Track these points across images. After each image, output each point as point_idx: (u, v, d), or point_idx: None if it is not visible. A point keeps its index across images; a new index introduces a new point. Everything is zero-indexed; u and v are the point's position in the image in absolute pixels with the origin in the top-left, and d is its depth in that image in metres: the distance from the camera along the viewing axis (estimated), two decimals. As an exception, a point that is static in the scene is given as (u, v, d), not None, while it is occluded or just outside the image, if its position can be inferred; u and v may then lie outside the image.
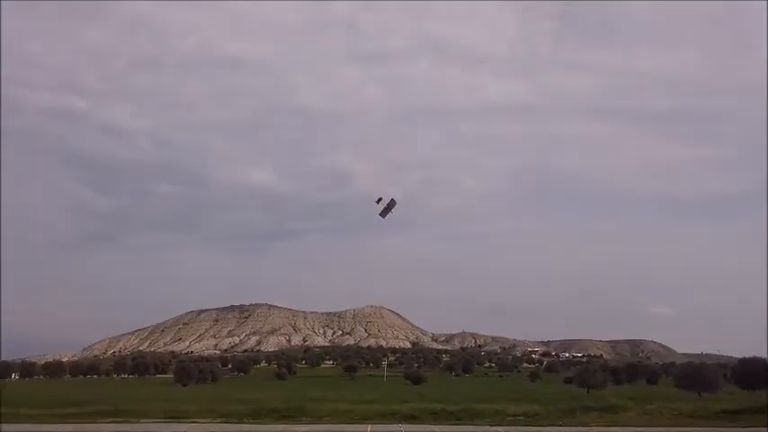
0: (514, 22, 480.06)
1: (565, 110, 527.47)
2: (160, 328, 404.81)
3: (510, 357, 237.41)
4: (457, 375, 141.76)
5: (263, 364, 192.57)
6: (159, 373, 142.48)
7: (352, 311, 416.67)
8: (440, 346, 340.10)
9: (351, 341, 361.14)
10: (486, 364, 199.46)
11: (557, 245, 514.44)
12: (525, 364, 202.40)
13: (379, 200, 31.89)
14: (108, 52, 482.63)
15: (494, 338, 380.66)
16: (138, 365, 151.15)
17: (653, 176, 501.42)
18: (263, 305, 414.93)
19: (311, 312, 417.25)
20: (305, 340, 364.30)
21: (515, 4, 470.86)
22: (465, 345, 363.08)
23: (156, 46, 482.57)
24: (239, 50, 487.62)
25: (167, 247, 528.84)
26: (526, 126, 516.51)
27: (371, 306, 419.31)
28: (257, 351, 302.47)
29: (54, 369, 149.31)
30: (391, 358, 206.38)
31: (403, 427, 34.48)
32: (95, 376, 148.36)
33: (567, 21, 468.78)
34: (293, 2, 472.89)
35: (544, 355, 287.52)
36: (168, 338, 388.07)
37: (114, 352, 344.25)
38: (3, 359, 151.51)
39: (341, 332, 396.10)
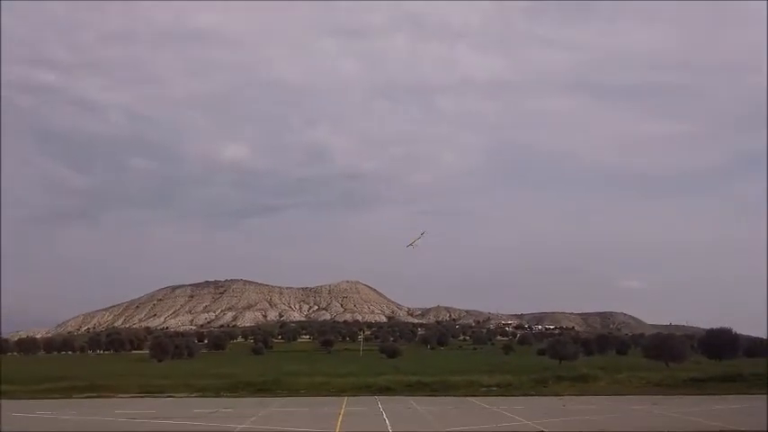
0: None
1: (541, 85, 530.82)
2: (134, 305, 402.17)
3: (484, 330, 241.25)
4: (432, 348, 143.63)
5: (240, 339, 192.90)
6: (135, 349, 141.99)
7: (327, 287, 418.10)
8: (415, 320, 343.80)
9: (327, 316, 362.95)
10: (461, 338, 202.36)
11: (531, 220, 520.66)
12: (499, 337, 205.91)
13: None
14: (78, 24, 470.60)
15: (468, 312, 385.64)
16: (114, 341, 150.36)
17: (626, 152, 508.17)
18: (238, 281, 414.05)
19: (287, 288, 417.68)
20: (281, 315, 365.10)
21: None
22: (440, 319, 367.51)
23: (128, 18, 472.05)
24: (213, 23, 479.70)
25: (141, 222, 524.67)
26: (503, 101, 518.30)
27: (347, 281, 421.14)
28: (233, 326, 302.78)
29: (28, 346, 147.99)
30: (367, 332, 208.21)
31: (378, 398, 34.95)
32: (70, 352, 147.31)
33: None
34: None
35: (517, 327, 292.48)
36: (143, 314, 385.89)
37: (88, 328, 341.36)
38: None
39: (317, 307, 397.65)
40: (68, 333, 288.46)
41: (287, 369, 54.63)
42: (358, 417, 26.81)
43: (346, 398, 35.12)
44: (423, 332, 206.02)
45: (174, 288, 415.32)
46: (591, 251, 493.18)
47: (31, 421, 25.89)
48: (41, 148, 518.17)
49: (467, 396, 36.05)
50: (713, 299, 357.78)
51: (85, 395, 37.35)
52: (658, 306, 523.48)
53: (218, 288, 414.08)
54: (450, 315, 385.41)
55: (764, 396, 34.65)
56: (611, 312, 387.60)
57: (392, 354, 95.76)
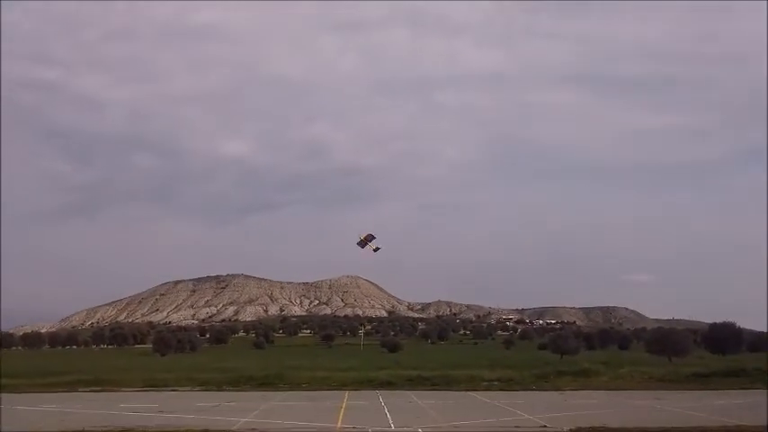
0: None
1: (541, 79, 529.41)
2: (137, 299, 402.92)
3: (485, 325, 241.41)
4: (432, 343, 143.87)
5: (241, 333, 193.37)
6: (138, 344, 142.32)
7: (328, 281, 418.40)
8: (416, 315, 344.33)
9: (327, 311, 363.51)
10: (462, 332, 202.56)
11: (532, 213, 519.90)
12: (500, 332, 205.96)
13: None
14: (81, 22, 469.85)
15: (468, 307, 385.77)
16: (117, 336, 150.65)
17: (629, 145, 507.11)
18: (239, 276, 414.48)
19: (288, 283, 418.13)
20: (282, 310, 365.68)
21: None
22: (440, 313, 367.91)
23: (130, 15, 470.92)
24: (213, 19, 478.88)
25: (143, 218, 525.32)
26: (503, 95, 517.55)
27: (348, 276, 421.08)
28: (235, 321, 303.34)
29: (32, 340, 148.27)
30: (368, 327, 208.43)
31: (380, 392, 35.07)
32: (74, 347, 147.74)
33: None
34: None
35: (518, 322, 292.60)
36: (146, 309, 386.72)
37: (92, 323, 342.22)
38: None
39: (317, 302, 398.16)
40: (72, 328, 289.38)
41: (288, 363, 54.83)
42: (359, 411, 26.93)
43: (348, 392, 35.24)
44: (423, 327, 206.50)
45: (176, 283, 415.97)
46: (592, 245, 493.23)
47: (35, 415, 26.00)
48: (43, 145, 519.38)
49: (468, 390, 36.15)
50: (716, 293, 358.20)
51: (90, 389, 37.52)
52: (660, 300, 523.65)
53: (220, 283, 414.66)
54: (450, 310, 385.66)
55: (767, 391, 34.73)
56: (613, 307, 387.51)
57: (393, 348, 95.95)
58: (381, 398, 32.02)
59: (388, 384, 38.79)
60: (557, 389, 37.01)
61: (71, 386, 38.60)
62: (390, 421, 23.51)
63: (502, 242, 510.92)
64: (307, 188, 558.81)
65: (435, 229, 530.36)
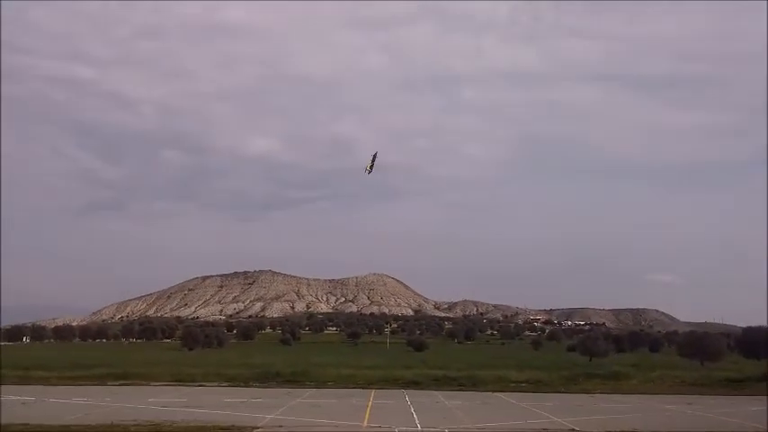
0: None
1: (568, 76, 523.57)
2: (166, 294, 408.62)
3: (512, 325, 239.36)
4: (459, 343, 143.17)
5: (268, 329, 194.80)
6: (166, 338, 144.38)
7: (355, 279, 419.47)
8: (442, 314, 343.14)
9: (354, 308, 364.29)
10: (489, 332, 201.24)
11: (560, 212, 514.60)
12: (527, 332, 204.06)
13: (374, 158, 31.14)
14: (113, 20, 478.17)
15: (496, 306, 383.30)
16: (146, 330, 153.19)
17: (657, 143, 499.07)
18: (266, 272, 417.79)
19: (314, 279, 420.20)
20: (308, 307, 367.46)
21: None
22: (467, 312, 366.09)
23: (160, 13, 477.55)
24: (241, 17, 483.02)
25: (172, 213, 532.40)
26: (529, 93, 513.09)
27: (374, 274, 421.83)
28: (262, 317, 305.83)
29: (64, 333, 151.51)
30: (394, 325, 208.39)
31: (406, 392, 34.88)
32: (104, 340, 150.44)
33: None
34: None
35: (546, 323, 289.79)
36: (174, 304, 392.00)
37: (122, 317, 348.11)
38: (15, 323, 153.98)
39: (344, 299, 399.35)
40: (103, 321, 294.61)
41: (315, 360, 54.96)
42: (386, 410, 26.78)
43: (374, 390, 35.14)
44: (450, 326, 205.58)
45: (204, 278, 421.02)
46: (622, 245, 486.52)
47: (63, 408, 26.35)
48: (75, 141, 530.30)
49: (495, 392, 35.77)
50: (749, 295, 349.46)
51: (119, 382, 38.01)
52: (692, 302, 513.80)
53: (248, 279, 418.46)
54: (477, 309, 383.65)
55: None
56: (644, 309, 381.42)
57: (419, 347, 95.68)
58: (408, 397, 31.86)
59: (414, 384, 38.61)
60: (586, 392, 36.46)
61: (101, 379, 39.16)
62: (417, 421, 23.31)
63: (529, 241, 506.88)
64: (332, 185, 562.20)
65: (462, 227, 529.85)
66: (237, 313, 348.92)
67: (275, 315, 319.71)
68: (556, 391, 36.49)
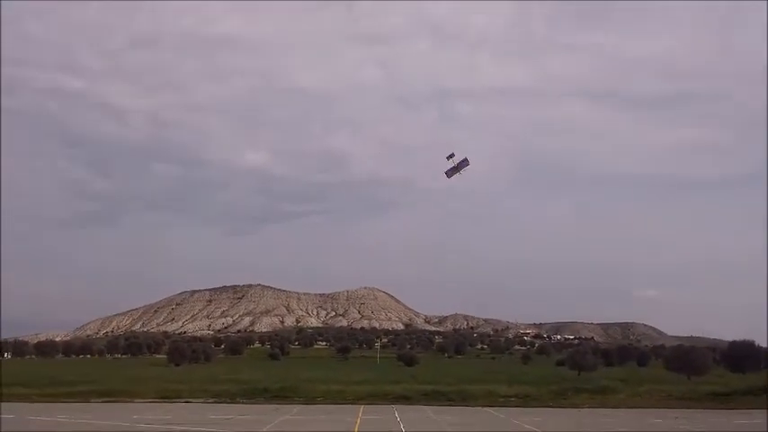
0: (510, 3, 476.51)
1: (559, 92, 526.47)
2: (153, 309, 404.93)
3: (502, 339, 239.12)
4: (449, 357, 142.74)
5: (257, 344, 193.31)
6: (152, 354, 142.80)
7: (345, 293, 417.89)
8: (432, 328, 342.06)
9: (344, 323, 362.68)
10: (479, 346, 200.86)
11: (551, 227, 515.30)
12: (517, 346, 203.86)
13: (451, 156, 30.30)
14: (105, 30, 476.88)
15: (486, 321, 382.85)
16: (132, 345, 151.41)
17: (645, 159, 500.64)
18: (256, 286, 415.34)
19: (304, 294, 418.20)
20: (298, 321, 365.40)
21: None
22: (458, 327, 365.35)
23: (154, 23, 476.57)
24: (236, 29, 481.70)
25: (161, 226, 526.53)
26: (522, 108, 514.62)
27: (365, 288, 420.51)
28: (250, 332, 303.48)
29: (46, 348, 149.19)
30: (384, 340, 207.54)
31: (395, 407, 34.65)
32: (88, 356, 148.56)
33: (562, 2, 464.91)
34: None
35: (536, 337, 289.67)
36: (161, 319, 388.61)
37: (107, 332, 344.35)
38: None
39: (334, 313, 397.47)
40: (87, 336, 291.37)
41: (304, 376, 54.55)
42: (375, 425, 26.55)
43: (362, 406, 34.88)
44: (440, 340, 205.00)
45: (192, 292, 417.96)
46: (611, 260, 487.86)
47: (44, 425, 25.92)
48: (65, 153, 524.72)
49: (485, 406, 35.63)
50: (736, 310, 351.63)
51: (103, 400, 37.48)
52: (679, 317, 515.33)
53: (237, 293, 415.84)
54: (467, 323, 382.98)
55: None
56: (632, 323, 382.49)
57: (409, 362, 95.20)
58: (397, 413, 31.62)
59: (403, 399, 38.40)
60: (574, 406, 36.42)
61: (84, 396, 38.57)
62: (405, 437, 23.12)
63: (520, 255, 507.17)
64: (325, 199, 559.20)
65: (454, 241, 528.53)
66: (226, 328, 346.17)
67: (264, 330, 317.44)
68: (544, 406, 36.42)
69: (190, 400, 37.78)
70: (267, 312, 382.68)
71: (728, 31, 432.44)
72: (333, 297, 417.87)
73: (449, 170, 30.23)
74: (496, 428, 26.25)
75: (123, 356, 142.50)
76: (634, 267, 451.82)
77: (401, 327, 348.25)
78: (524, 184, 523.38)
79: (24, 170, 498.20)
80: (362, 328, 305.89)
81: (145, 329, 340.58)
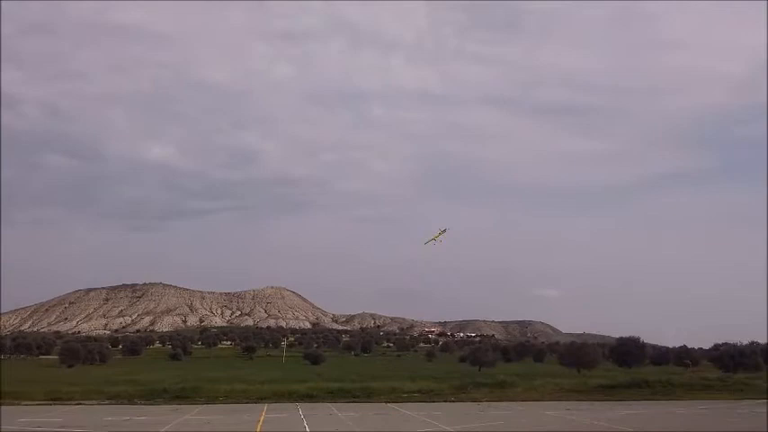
0: (424, 10, 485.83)
1: (468, 100, 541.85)
2: (44, 308, 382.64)
3: (407, 337, 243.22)
4: (356, 355, 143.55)
5: (157, 344, 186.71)
6: (43, 355, 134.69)
7: (251, 292, 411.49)
8: (340, 327, 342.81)
9: (250, 322, 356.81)
10: (385, 344, 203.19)
11: (456, 229, 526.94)
12: (422, 344, 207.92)
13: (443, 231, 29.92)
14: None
15: (392, 319, 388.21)
16: (19, 346, 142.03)
17: (548, 166, 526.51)
18: (157, 284, 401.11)
19: (209, 292, 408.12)
20: (202, 321, 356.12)
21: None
22: (365, 325, 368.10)
23: (49, 10, 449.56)
24: (138, 19, 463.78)
25: (56, 222, 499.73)
26: (432, 113, 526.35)
27: (272, 287, 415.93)
28: (150, 331, 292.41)
29: None
30: (291, 339, 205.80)
31: (300, 405, 34.72)
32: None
33: (473, 13, 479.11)
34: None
35: (440, 335, 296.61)
36: (53, 318, 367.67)
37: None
38: None
39: (240, 313, 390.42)
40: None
41: (206, 376, 53.43)
42: (278, 423, 26.56)
43: (266, 405, 34.70)
44: (347, 339, 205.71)
45: (87, 291, 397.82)
46: (511, 261, 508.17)
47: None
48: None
49: (388, 402, 36.34)
50: (624, 308, 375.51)
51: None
52: (573, 315, 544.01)
53: (136, 292, 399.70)
54: (374, 322, 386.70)
55: (666, 402, 36.75)
56: (530, 321, 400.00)
57: (315, 360, 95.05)
58: (301, 410, 31.71)
59: (308, 397, 38.43)
60: (474, 400, 37.79)
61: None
62: (308, 434, 23.32)
63: (426, 256, 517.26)
64: (233, 197, 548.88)
65: (362, 241, 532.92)
66: (124, 328, 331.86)
67: (165, 329, 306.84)
68: (445, 400, 37.60)
69: (83, 402, 36.17)
70: (168, 312, 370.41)
71: (629, 50, 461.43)
72: (238, 296, 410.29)
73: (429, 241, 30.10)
74: (396, 422, 26.93)
75: (11, 357, 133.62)
76: (534, 268, 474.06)
77: (308, 326, 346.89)
78: (432, 186, 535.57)
79: None
80: (269, 328, 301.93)
81: (35, 329, 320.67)
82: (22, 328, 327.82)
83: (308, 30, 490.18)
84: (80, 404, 35.35)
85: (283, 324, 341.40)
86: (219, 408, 33.66)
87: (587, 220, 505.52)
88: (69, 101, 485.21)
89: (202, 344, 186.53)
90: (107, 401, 36.55)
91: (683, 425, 25.44)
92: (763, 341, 71.80)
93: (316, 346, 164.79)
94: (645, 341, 77.24)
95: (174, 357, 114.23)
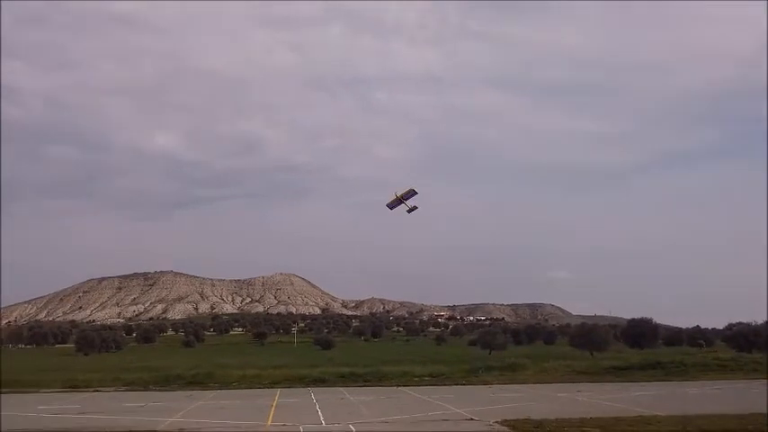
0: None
1: (470, 80, 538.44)
2: (59, 297, 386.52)
3: (417, 322, 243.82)
4: (366, 340, 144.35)
5: (170, 332, 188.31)
6: (59, 343, 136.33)
7: (261, 279, 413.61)
8: (349, 312, 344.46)
9: (260, 308, 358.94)
10: (395, 329, 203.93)
11: (464, 212, 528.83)
12: (432, 328, 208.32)
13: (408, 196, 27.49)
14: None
15: (402, 304, 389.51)
16: (36, 335, 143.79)
17: (556, 147, 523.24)
18: (168, 272, 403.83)
19: (219, 280, 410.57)
20: (213, 308, 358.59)
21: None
22: (374, 310, 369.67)
23: (50, 1, 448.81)
24: (137, 8, 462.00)
25: (66, 212, 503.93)
26: (435, 95, 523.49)
27: (281, 273, 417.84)
28: (163, 319, 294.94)
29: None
30: (301, 324, 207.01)
31: (312, 390, 35.03)
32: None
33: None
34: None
35: (450, 319, 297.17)
36: (67, 307, 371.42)
37: (9, 322, 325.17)
38: None
39: (250, 299, 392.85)
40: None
41: (219, 362, 53.97)
42: (291, 408, 26.82)
43: (279, 390, 35.04)
44: (357, 324, 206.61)
45: (100, 280, 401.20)
46: (520, 243, 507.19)
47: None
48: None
49: (399, 386, 36.59)
50: (635, 289, 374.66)
51: (6, 390, 35.72)
52: (584, 297, 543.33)
53: (148, 280, 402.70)
54: (384, 307, 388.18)
55: (680, 382, 36.80)
56: (540, 303, 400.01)
57: (326, 346, 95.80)
58: (313, 395, 32.00)
59: (320, 382, 38.79)
60: (485, 383, 37.98)
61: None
62: (321, 418, 23.55)
63: (434, 240, 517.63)
64: (239, 184, 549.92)
65: (369, 226, 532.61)
66: (137, 316, 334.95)
67: (178, 317, 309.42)
68: (457, 384, 37.79)
69: (100, 389, 36.67)
70: (180, 299, 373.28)
71: (633, 26, 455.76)
72: (248, 283, 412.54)
73: (392, 202, 27.72)
74: (409, 406, 27.13)
75: (27, 347, 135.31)
76: (543, 251, 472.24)
77: (318, 311, 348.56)
78: (437, 169, 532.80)
79: None
80: (279, 314, 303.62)
81: (50, 318, 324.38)
82: (38, 318, 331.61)
83: (308, 15, 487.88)
84: (97, 391, 35.85)
85: (293, 310, 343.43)
86: (233, 393, 34.03)
87: (596, 199, 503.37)
88: (71, 92, 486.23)
89: (214, 331, 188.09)
90: (123, 388, 37.07)
91: (698, 405, 25.47)
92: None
93: (326, 331, 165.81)
94: (657, 322, 77.04)
95: (187, 344, 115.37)
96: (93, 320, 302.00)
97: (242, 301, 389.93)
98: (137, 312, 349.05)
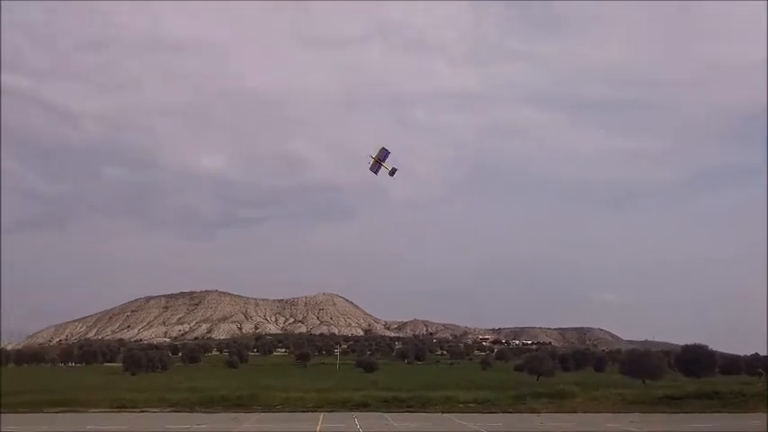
0: (466, 9, 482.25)
1: (512, 98, 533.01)
2: (107, 316, 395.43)
3: (461, 345, 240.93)
4: (409, 363, 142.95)
5: (215, 352, 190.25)
6: (107, 362, 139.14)
7: (304, 299, 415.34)
8: (392, 334, 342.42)
9: (303, 329, 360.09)
10: (438, 352, 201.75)
11: (508, 233, 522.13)
12: (476, 352, 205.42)
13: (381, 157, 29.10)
14: (56, 31, 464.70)
15: (445, 326, 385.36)
16: (86, 353, 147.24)
17: (604, 166, 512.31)
18: (213, 292, 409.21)
19: (263, 300, 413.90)
20: (256, 328, 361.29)
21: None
22: (417, 332, 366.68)
23: (106, 25, 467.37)
24: (188, 33, 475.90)
25: (115, 232, 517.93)
26: (476, 114, 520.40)
27: (324, 294, 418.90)
28: (208, 339, 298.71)
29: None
30: (344, 346, 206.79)
31: (355, 414, 34.60)
32: (41, 365, 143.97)
33: (513, 10, 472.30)
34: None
35: (495, 342, 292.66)
36: (116, 326, 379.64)
37: (60, 340, 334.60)
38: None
39: (293, 320, 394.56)
40: (39, 345, 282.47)
41: (262, 383, 53.97)
42: (335, 434, 26.48)
43: (323, 414, 34.74)
44: (400, 346, 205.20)
45: (147, 299, 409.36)
46: (568, 265, 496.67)
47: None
48: (13, 155, 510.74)
49: (444, 412, 35.85)
50: (689, 315, 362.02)
51: (57, 409, 36.41)
52: (635, 321, 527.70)
53: (193, 299, 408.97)
54: (427, 329, 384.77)
55: (739, 414, 35.03)
56: (589, 328, 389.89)
57: (369, 368, 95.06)
58: (357, 420, 31.59)
59: (363, 406, 38.34)
60: (533, 411, 36.93)
61: (36, 406, 37.40)
62: (366, 445, 23.13)
63: (477, 260, 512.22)
64: (283, 204, 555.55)
65: (412, 246, 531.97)
66: (183, 335, 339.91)
67: (222, 337, 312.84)
68: (504, 411, 36.85)
69: (146, 409, 37.02)
70: (225, 319, 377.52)
71: (672, 42, 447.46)
72: (292, 303, 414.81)
73: (373, 166, 29.45)
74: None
75: (77, 365, 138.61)
76: (591, 272, 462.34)
77: (361, 333, 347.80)
78: (481, 189, 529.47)
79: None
80: (322, 335, 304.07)
81: (99, 337, 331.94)
82: (88, 336, 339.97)
83: (348, 35, 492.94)
84: (143, 411, 36.17)
85: (336, 331, 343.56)
86: (277, 416, 33.87)
87: (643, 219, 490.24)
88: (124, 114, 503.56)
89: (258, 351, 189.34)
90: (169, 409, 37.32)
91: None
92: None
93: (369, 353, 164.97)
94: (713, 348, 73.83)
95: (231, 365, 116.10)
96: (141, 339, 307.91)
97: (285, 322, 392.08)
98: (182, 332, 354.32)
